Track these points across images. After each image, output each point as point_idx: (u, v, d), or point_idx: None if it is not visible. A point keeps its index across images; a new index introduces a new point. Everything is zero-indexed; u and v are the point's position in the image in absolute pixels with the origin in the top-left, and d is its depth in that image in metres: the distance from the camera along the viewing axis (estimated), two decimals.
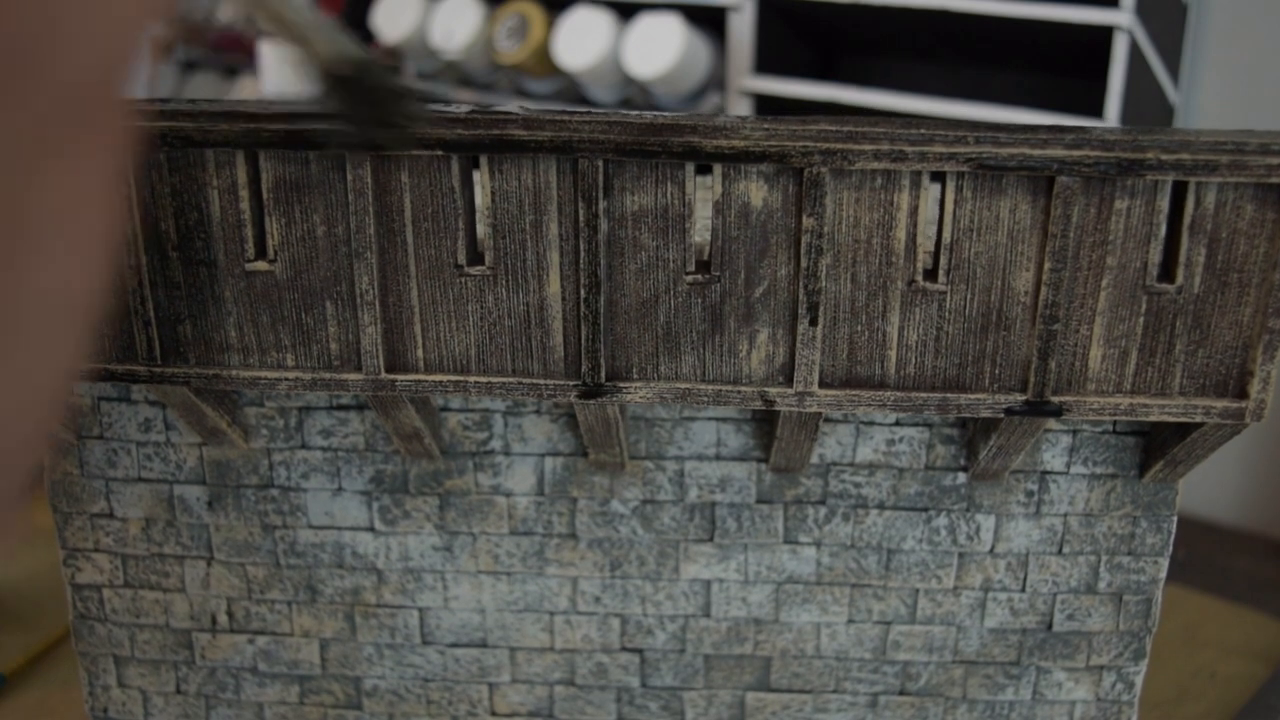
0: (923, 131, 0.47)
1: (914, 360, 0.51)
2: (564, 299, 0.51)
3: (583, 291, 0.50)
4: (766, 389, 0.51)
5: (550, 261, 0.50)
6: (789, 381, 0.51)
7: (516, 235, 0.50)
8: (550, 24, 0.82)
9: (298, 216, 0.50)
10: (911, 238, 0.49)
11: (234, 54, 1.06)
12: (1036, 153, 0.47)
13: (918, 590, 0.62)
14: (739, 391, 0.52)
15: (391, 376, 0.52)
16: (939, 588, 0.62)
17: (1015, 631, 0.62)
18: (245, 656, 0.66)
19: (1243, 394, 0.50)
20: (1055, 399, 0.51)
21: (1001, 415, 0.52)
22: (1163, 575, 0.61)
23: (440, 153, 0.49)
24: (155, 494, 0.63)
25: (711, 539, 0.61)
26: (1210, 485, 0.95)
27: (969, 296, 0.50)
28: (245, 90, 1.04)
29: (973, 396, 0.51)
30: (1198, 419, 0.51)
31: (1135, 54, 0.71)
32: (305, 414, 0.61)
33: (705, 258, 0.51)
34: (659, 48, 0.75)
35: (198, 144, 0.49)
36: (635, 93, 0.82)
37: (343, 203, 0.50)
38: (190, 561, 0.64)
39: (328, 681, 0.66)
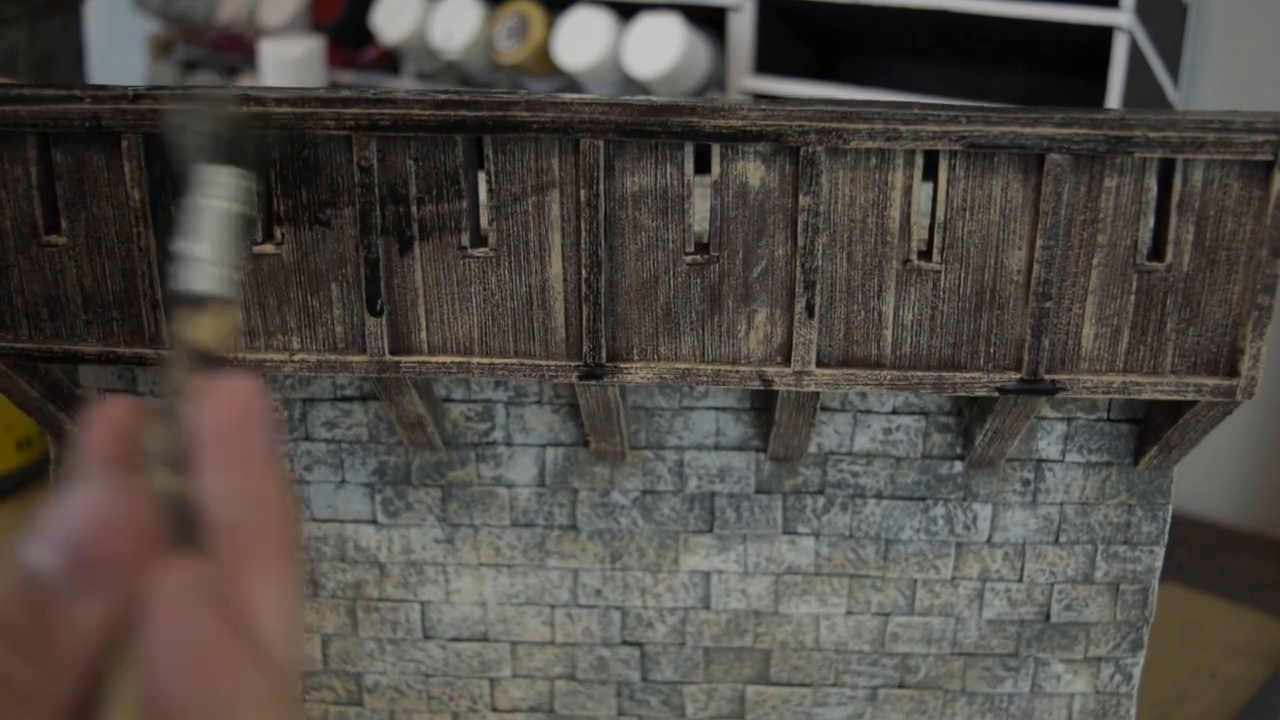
0: (916, 111, 0.48)
1: (910, 339, 0.52)
2: (565, 280, 0.52)
3: (584, 272, 0.51)
4: (765, 369, 0.52)
5: (552, 243, 0.51)
6: (787, 361, 0.52)
7: (519, 216, 0.51)
8: (550, 24, 0.83)
9: (304, 199, 0.51)
10: (906, 217, 0.50)
11: (234, 53, 1.08)
12: (1027, 131, 0.48)
13: (916, 581, 0.62)
14: (738, 371, 0.52)
15: (396, 358, 0.53)
16: (937, 578, 0.62)
17: (1013, 622, 0.63)
18: None
19: (1234, 371, 0.51)
20: (1049, 377, 0.52)
21: (996, 394, 0.52)
22: (1159, 564, 0.62)
23: (445, 134, 0.50)
24: None
25: (711, 530, 0.62)
26: (1210, 485, 0.95)
27: (963, 275, 0.51)
28: None
29: (968, 375, 0.52)
30: (1190, 397, 0.52)
31: (1135, 54, 0.73)
32: (309, 405, 0.61)
33: (704, 239, 0.52)
34: (659, 48, 0.77)
35: None
36: (635, 92, 0.84)
37: (349, 185, 0.51)
38: None
39: (329, 677, 0.66)
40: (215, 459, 0.29)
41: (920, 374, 0.52)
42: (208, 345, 0.34)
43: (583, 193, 0.50)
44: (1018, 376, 0.52)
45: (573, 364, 0.53)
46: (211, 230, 0.36)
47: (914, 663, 0.64)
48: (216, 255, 0.36)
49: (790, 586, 0.63)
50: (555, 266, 0.52)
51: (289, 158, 0.51)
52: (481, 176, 0.52)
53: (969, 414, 0.59)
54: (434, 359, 0.53)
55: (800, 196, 0.50)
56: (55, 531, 0.27)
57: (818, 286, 0.51)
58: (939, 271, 0.51)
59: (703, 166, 0.51)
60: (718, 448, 0.61)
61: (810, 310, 0.51)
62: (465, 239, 0.52)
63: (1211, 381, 0.51)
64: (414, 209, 0.51)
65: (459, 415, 0.61)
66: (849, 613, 0.63)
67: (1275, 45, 0.86)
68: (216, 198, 0.38)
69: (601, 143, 0.49)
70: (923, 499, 0.61)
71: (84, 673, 0.27)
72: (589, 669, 0.65)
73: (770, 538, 0.62)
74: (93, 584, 0.27)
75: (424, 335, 0.53)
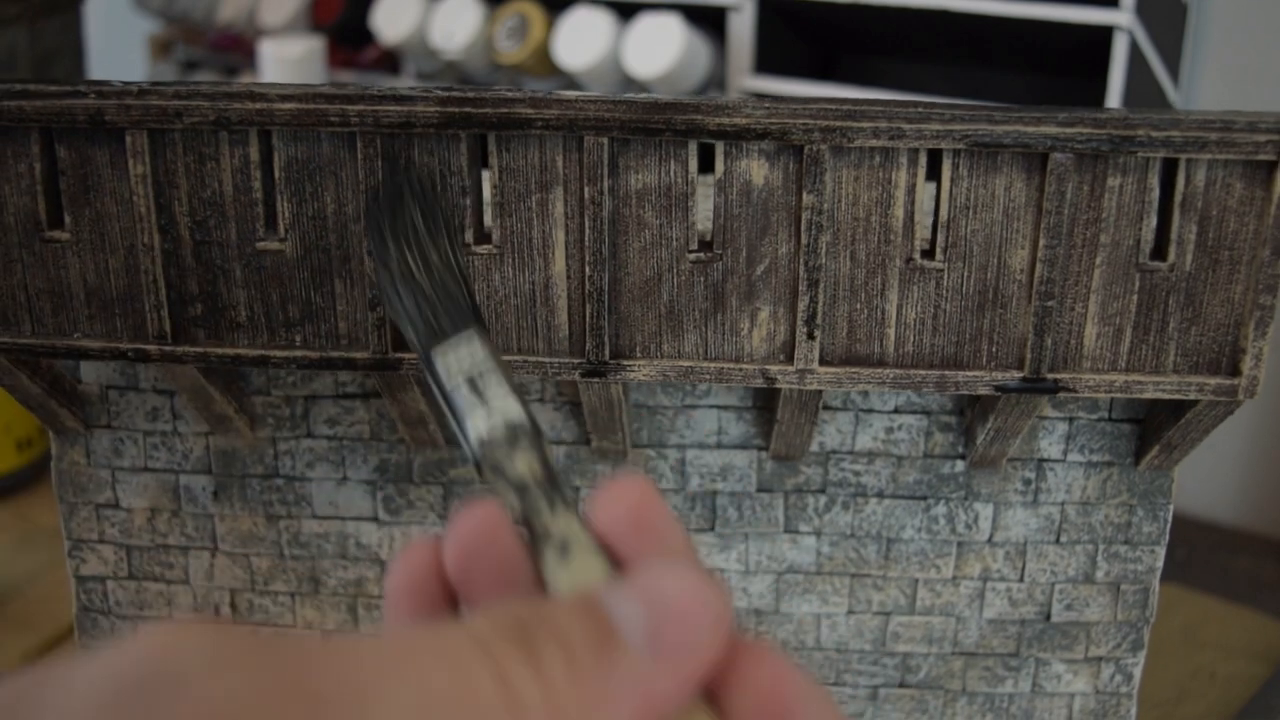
0: (920, 109, 0.48)
1: (912, 338, 0.52)
2: (569, 277, 0.52)
3: (587, 269, 0.51)
4: (768, 367, 0.52)
5: (555, 240, 0.51)
6: (790, 359, 0.52)
7: (522, 214, 0.51)
8: (550, 24, 0.83)
9: (309, 195, 0.51)
10: (909, 215, 0.50)
11: (234, 54, 1.08)
12: (1031, 130, 0.48)
13: (917, 580, 0.62)
14: (741, 369, 0.52)
15: (399, 355, 0.53)
16: (938, 577, 0.62)
17: (1014, 622, 0.63)
18: None
19: (1235, 371, 0.51)
20: (1051, 376, 0.52)
21: (998, 393, 0.52)
22: (1159, 564, 0.62)
23: (449, 131, 0.50)
24: (161, 484, 0.63)
25: (712, 528, 0.62)
26: (1210, 485, 0.95)
27: (966, 274, 0.51)
28: None
29: (970, 374, 0.52)
30: (1192, 396, 0.52)
31: (1135, 54, 0.73)
32: (311, 402, 0.61)
33: (707, 237, 0.52)
34: (659, 48, 0.77)
35: (212, 123, 0.50)
36: (636, 92, 0.83)
37: (353, 181, 0.51)
38: (195, 553, 0.65)
39: None
40: (644, 543, 0.30)
41: (923, 372, 0.52)
42: (537, 468, 0.34)
43: (587, 190, 0.50)
44: (1020, 375, 0.52)
45: (576, 361, 0.53)
46: (483, 387, 0.38)
47: (915, 662, 0.64)
48: (502, 396, 0.37)
49: (791, 585, 0.63)
50: (559, 264, 0.52)
51: (293, 155, 0.51)
52: (485, 173, 0.52)
53: (971, 413, 0.59)
54: None
55: (804, 195, 0.50)
56: (642, 598, 0.27)
57: (821, 285, 0.51)
58: (942, 270, 0.51)
59: (705, 166, 0.51)
60: (719, 446, 0.61)
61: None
62: (469, 236, 0.52)
63: (1213, 381, 0.51)
64: None
65: None
66: (850, 612, 0.63)
67: (1275, 45, 0.86)
68: (461, 364, 0.39)
69: (605, 140, 0.49)
70: (924, 498, 0.61)
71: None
72: None
73: (771, 536, 0.62)
74: (671, 667, 0.26)
75: None
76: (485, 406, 0.37)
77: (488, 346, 0.40)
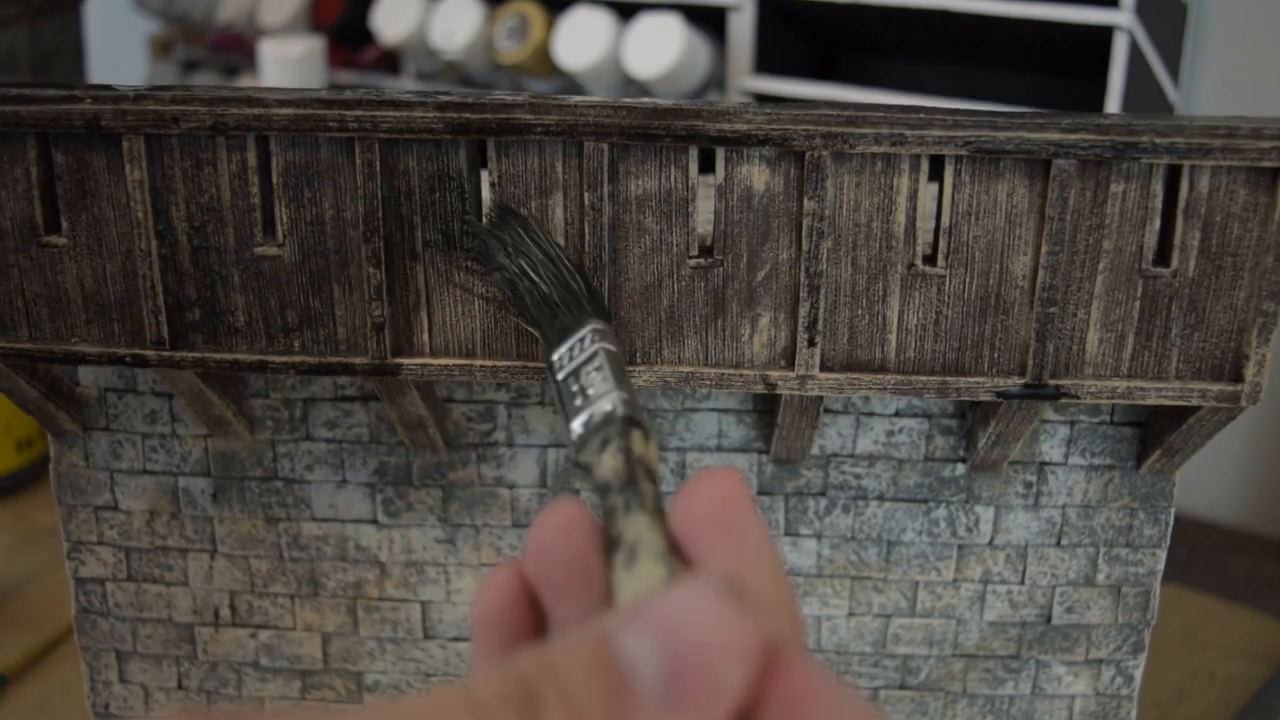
0: (921, 116, 0.48)
1: (914, 344, 0.52)
2: None
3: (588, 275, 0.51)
4: (768, 372, 0.52)
5: None
6: (790, 365, 0.52)
7: None
8: (550, 24, 0.83)
9: (307, 200, 0.51)
10: (911, 221, 0.50)
11: (234, 54, 1.07)
12: (1033, 136, 0.48)
13: (917, 583, 0.62)
14: (741, 375, 0.52)
15: (398, 361, 0.53)
16: (938, 580, 0.62)
17: (1015, 625, 0.63)
18: (247, 651, 0.66)
19: (1238, 377, 0.51)
20: (1053, 382, 0.51)
21: (1000, 399, 0.52)
22: (1160, 567, 0.62)
23: (448, 136, 0.50)
24: (160, 486, 0.63)
25: None
26: (1210, 485, 0.95)
27: (968, 280, 0.51)
28: None
29: (972, 380, 0.52)
30: (1194, 402, 0.51)
31: (1135, 54, 0.73)
32: (310, 405, 0.61)
33: (708, 242, 0.52)
34: (659, 48, 0.76)
35: (209, 129, 0.50)
36: (635, 93, 0.83)
37: (351, 187, 0.51)
38: (194, 555, 0.64)
39: (329, 676, 0.66)
40: (719, 542, 0.28)
41: (924, 379, 0.52)
42: (620, 467, 0.34)
43: (586, 196, 0.50)
44: (1022, 382, 0.52)
45: None
46: (586, 383, 0.37)
47: (915, 664, 0.64)
48: (600, 392, 0.36)
49: (792, 588, 0.63)
50: None
51: (291, 160, 0.51)
52: (485, 179, 0.52)
53: (972, 417, 0.58)
54: (436, 361, 0.53)
55: (805, 201, 0.49)
56: (656, 632, 0.24)
57: (822, 291, 0.50)
58: (944, 276, 0.51)
59: (706, 167, 0.51)
60: (720, 449, 0.61)
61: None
62: (469, 242, 0.51)
63: (1216, 387, 0.51)
64: (417, 210, 0.51)
65: (460, 416, 0.61)
66: (850, 614, 0.63)
67: (1275, 45, 0.86)
68: (577, 360, 0.38)
69: (605, 146, 0.49)
70: (925, 501, 0.61)
71: None
72: None
73: (772, 539, 0.62)
74: (687, 712, 0.23)
75: (426, 337, 0.53)
76: (584, 401, 0.36)
77: (601, 336, 0.39)
